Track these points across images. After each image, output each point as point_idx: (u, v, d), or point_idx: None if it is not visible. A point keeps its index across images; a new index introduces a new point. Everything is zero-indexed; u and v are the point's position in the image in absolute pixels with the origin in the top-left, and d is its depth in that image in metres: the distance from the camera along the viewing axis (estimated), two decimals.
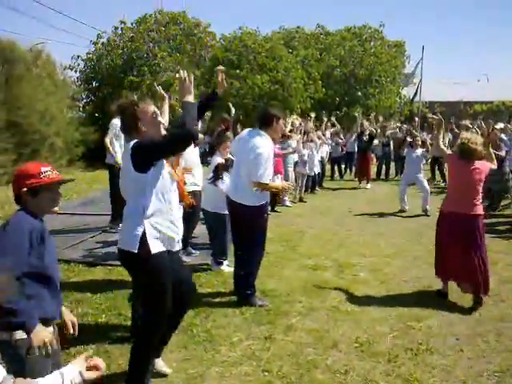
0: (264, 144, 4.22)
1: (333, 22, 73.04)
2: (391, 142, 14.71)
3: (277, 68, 20.35)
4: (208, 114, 7.05)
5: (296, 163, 10.10)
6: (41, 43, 15.22)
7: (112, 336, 3.75)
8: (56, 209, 2.20)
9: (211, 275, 5.27)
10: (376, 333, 3.90)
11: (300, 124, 9.84)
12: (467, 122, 10.25)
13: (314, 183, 11.64)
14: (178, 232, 2.97)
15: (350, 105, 23.48)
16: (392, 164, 14.95)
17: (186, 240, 5.56)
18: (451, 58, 68.40)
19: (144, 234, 2.76)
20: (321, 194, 11.88)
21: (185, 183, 4.75)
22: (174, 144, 2.75)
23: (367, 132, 13.21)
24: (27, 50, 14.29)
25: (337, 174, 14.90)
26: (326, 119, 12.59)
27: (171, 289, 2.92)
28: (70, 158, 15.03)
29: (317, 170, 11.35)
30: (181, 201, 3.08)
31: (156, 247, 2.80)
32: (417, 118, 17.40)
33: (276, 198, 8.72)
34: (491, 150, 4.98)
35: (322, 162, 12.00)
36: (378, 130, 14.17)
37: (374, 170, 14.20)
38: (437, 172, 13.43)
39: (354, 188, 12.81)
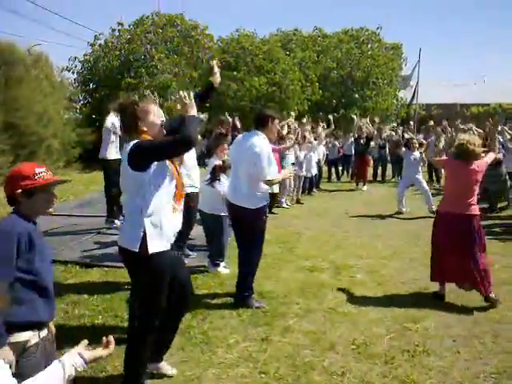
0: (261, 143, 4.26)
1: (330, 24, 73.25)
2: (387, 145, 14.76)
3: (274, 70, 20.39)
4: (206, 116, 7.06)
5: (293, 164, 10.10)
6: (37, 45, 15.23)
7: None
8: (50, 210, 2.17)
9: (208, 277, 5.27)
10: (373, 334, 3.90)
11: (296, 127, 9.84)
12: (458, 122, 10.27)
13: (311, 185, 11.66)
14: (176, 229, 3.00)
15: (347, 107, 23.56)
16: (388, 166, 15.00)
17: (183, 241, 5.56)
18: (450, 60, 68.65)
19: (144, 232, 2.76)
20: (318, 195, 11.90)
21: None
22: (173, 147, 2.76)
23: (364, 135, 13.24)
24: (25, 51, 14.29)
25: (334, 175, 14.94)
26: (321, 124, 12.60)
27: (169, 290, 2.92)
28: (66, 160, 15.02)
29: (314, 171, 11.37)
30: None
31: (156, 246, 2.79)
32: (412, 122, 17.43)
33: (274, 199, 8.72)
34: (496, 136, 5.04)
35: (318, 164, 12.02)
36: (375, 132, 14.21)
37: (370, 171, 14.23)
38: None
39: (351, 190, 12.83)
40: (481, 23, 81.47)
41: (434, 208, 8.74)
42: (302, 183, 10.79)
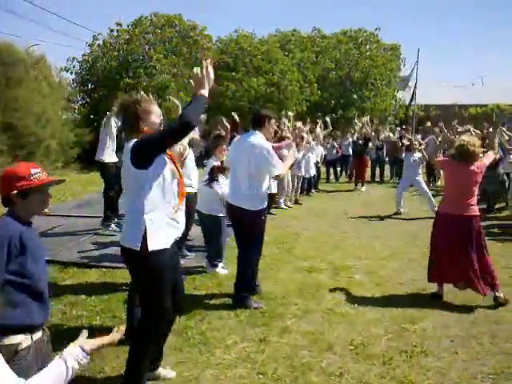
0: (260, 141, 4.31)
1: (329, 25, 73.24)
2: (385, 146, 14.79)
3: (273, 71, 20.42)
4: (203, 117, 7.07)
5: (291, 165, 10.10)
6: (35, 45, 15.22)
7: None
8: (46, 210, 2.15)
9: (206, 277, 5.26)
10: (371, 335, 3.90)
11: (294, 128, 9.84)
12: (455, 123, 10.30)
13: (309, 185, 11.66)
14: (178, 228, 2.99)
15: (346, 107, 23.59)
16: (386, 167, 15.02)
17: (181, 242, 5.55)
18: (449, 61, 68.71)
19: (145, 231, 2.76)
20: (316, 196, 11.90)
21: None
22: (173, 133, 2.72)
23: (363, 136, 13.26)
24: (25, 52, 14.29)
25: (332, 176, 14.95)
26: (320, 121, 12.59)
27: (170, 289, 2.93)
28: (65, 160, 15.01)
29: (312, 172, 11.37)
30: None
31: (157, 244, 2.80)
32: (404, 127, 17.46)
33: (272, 200, 8.72)
34: (496, 140, 5.10)
35: (316, 165, 12.02)
36: (373, 133, 14.25)
37: (368, 172, 14.25)
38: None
39: (350, 190, 12.84)
40: (480, 23, 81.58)
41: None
42: (300, 184, 10.79)
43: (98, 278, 5.21)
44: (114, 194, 7.10)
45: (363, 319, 4.22)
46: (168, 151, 2.91)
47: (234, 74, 19.62)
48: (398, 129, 17.47)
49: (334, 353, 3.60)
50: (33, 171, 2.07)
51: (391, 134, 15.71)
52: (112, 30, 19.33)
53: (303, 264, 5.87)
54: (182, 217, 3.06)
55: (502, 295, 4.54)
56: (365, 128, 13.59)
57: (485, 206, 8.96)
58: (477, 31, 79.78)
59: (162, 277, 2.86)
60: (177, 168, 2.97)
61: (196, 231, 6.12)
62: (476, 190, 4.63)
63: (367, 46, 25.94)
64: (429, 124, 14.93)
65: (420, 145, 9.58)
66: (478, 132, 10.36)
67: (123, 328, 1.86)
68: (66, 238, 6.78)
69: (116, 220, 7.28)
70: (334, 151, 14.49)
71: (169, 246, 2.90)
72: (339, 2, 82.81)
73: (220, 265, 5.46)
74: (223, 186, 5.27)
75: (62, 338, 3.68)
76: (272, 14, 79.93)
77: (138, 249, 2.76)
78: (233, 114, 8.02)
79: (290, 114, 10.33)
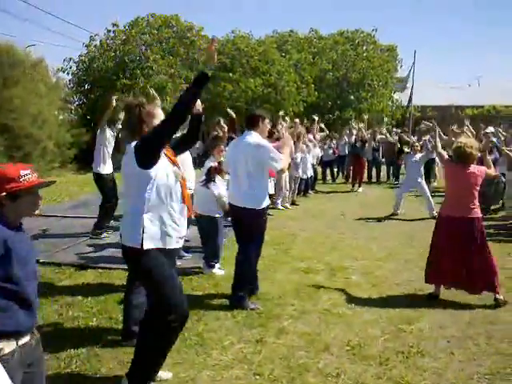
0: (257, 139, 4.34)
1: (326, 26, 73.02)
2: (381, 147, 14.82)
3: (270, 71, 20.44)
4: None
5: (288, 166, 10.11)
6: (32, 45, 15.20)
7: (103, 339, 3.72)
8: (36, 212, 2.09)
9: (203, 278, 5.26)
10: (367, 336, 3.90)
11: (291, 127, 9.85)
12: (455, 127, 10.30)
13: (306, 186, 11.67)
14: (179, 230, 2.98)
15: (343, 108, 23.65)
16: (383, 168, 15.05)
17: None
18: (448, 61, 68.81)
19: (144, 230, 2.79)
20: (313, 197, 11.91)
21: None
22: (170, 122, 2.72)
23: (360, 138, 13.28)
24: (23, 53, 14.27)
25: (329, 177, 14.96)
26: (316, 118, 12.58)
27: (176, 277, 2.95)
28: (62, 160, 14.99)
29: (309, 173, 11.38)
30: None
31: (156, 244, 2.82)
32: (403, 128, 17.52)
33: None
34: (488, 157, 5.13)
35: (313, 166, 12.04)
36: (369, 135, 14.30)
37: (365, 173, 14.27)
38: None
39: (347, 191, 12.86)
40: (480, 23, 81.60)
41: (435, 213, 8.76)
42: (297, 185, 10.80)
43: (94, 278, 5.20)
44: (111, 207, 7.05)
45: (360, 320, 4.23)
46: (171, 156, 2.92)
47: (230, 74, 19.62)
48: (395, 129, 17.49)
49: (330, 353, 3.60)
50: (22, 173, 2.00)
51: (388, 135, 15.73)
52: (109, 31, 19.34)
53: (300, 265, 5.87)
54: (184, 219, 3.06)
55: (501, 297, 4.55)
56: (361, 132, 13.61)
57: (482, 207, 8.98)
58: (476, 31, 79.87)
59: (162, 274, 2.86)
60: (179, 169, 2.98)
61: (193, 232, 6.11)
62: (476, 193, 4.64)
63: (364, 47, 26.03)
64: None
65: (421, 148, 9.62)
66: (472, 131, 10.38)
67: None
68: (62, 239, 6.76)
69: (111, 223, 7.23)
70: (331, 151, 14.51)
71: (168, 246, 2.90)
72: (337, 3, 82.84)
73: (217, 265, 5.45)
74: (220, 186, 5.27)
75: (58, 338, 3.70)
76: (269, 15, 79.89)
77: (139, 247, 2.78)
78: (229, 111, 7.97)
79: (287, 119, 10.33)
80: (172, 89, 17.54)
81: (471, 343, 3.79)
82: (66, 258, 5.86)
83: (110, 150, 6.94)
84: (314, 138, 12.19)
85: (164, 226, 2.86)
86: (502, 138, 9.69)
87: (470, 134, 9.61)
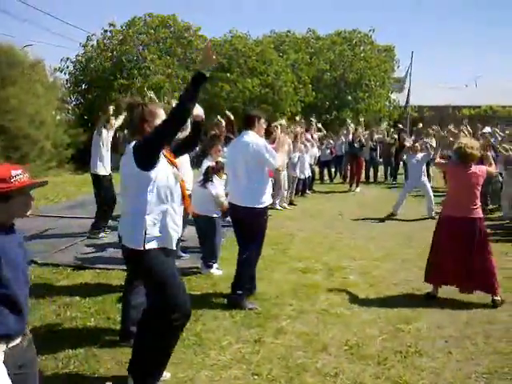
0: (254, 138, 4.39)
1: (323, 26, 73.11)
2: (378, 147, 14.83)
3: (267, 72, 20.43)
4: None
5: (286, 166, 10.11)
6: (29, 45, 15.17)
7: (101, 340, 3.71)
8: (28, 213, 2.04)
9: (201, 278, 5.25)
10: (365, 335, 3.91)
11: (288, 127, 9.85)
12: (452, 127, 10.33)
13: (304, 186, 11.67)
14: (178, 231, 2.99)
15: (340, 108, 23.66)
16: (380, 167, 15.07)
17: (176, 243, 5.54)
18: (446, 61, 68.86)
19: (146, 231, 2.79)
20: (311, 197, 11.92)
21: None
22: (170, 124, 2.71)
23: (358, 139, 13.30)
24: (22, 53, 14.24)
25: (326, 177, 14.98)
26: (314, 120, 12.63)
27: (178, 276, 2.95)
28: (59, 159, 14.96)
29: (307, 173, 11.38)
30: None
31: (158, 243, 2.83)
32: (402, 128, 17.51)
33: None
34: (488, 153, 5.16)
35: (310, 166, 12.04)
36: (366, 135, 14.31)
37: (362, 173, 14.28)
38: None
39: (344, 191, 12.87)
40: (479, 23, 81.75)
41: (434, 213, 8.77)
42: (295, 185, 10.80)
43: (92, 279, 5.19)
44: (108, 208, 7.04)
45: (358, 320, 4.23)
46: (170, 158, 2.92)
47: (228, 74, 19.61)
48: (392, 130, 17.51)
49: (328, 353, 3.61)
50: (13, 173, 1.95)
51: (386, 134, 15.75)
52: (106, 31, 19.30)
53: (298, 265, 5.88)
54: (181, 218, 3.07)
55: (499, 298, 4.56)
56: (357, 132, 13.61)
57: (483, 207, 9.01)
58: (473, 31, 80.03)
59: (165, 273, 2.87)
60: (178, 170, 2.98)
61: (190, 232, 6.11)
62: (478, 193, 4.66)
63: (361, 48, 26.04)
64: (420, 125, 15.01)
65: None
66: (470, 130, 10.42)
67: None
68: (59, 239, 6.74)
69: (109, 222, 7.21)
70: (328, 151, 14.52)
71: (169, 246, 2.92)
72: (334, 3, 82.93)
73: (215, 266, 5.45)
74: (218, 186, 5.27)
75: (56, 339, 3.69)
76: (266, 15, 79.91)
77: (142, 248, 2.78)
78: (227, 112, 7.98)
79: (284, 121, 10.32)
80: (169, 89, 17.53)
81: (469, 343, 3.80)
82: (64, 258, 5.85)
83: (107, 150, 6.93)
84: (311, 137, 12.20)
85: (165, 227, 2.86)
86: (500, 139, 9.72)
87: (467, 133, 9.66)
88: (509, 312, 4.41)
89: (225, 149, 6.28)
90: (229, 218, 6.47)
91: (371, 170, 14.93)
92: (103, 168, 6.89)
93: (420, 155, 9.39)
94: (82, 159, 14.47)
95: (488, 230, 7.69)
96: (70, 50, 41.13)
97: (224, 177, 5.53)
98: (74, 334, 3.83)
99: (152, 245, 2.82)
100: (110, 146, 6.95)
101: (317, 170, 13.97)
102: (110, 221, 7.26)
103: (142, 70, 17.87)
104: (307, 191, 12.00)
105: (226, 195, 5.11)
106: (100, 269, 5.45)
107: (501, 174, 9.45)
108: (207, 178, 5.27)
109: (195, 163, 6.09)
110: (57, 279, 5.13)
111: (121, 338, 3.65)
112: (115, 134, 7.15)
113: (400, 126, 16.87)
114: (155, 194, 2.81)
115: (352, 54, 24.80)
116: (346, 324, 4.13)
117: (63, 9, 59.69)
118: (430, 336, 3.92)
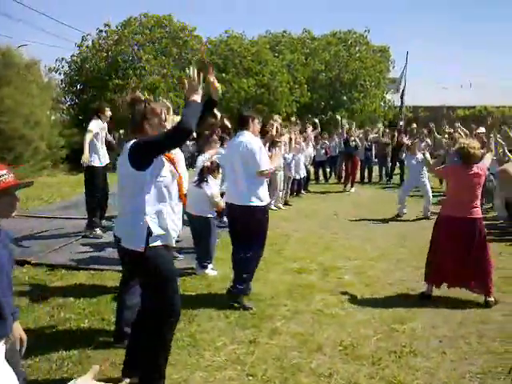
0: (248, 138, 4.44)
1: (319, 26, 73.28)
2: (373, 147, 14.85)
3: (263, 72, 20.43)
4: None
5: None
6: (23, 45, 15.10)
7: (95, 341, 3.70)
8: (13, 214, 2.01)
9: (196, 279, 5.24)
10: (360, 336, 3.91)
11: (282, 127, 9.85)
12: (446, 128, 10.37)
13: (299, 186, 11.67)
14: (176, 229, 2.99)
15: (335, 109, 23.67)
16: (375, 168, 15.09)
17: None
18: (445, 61, 68.99)
19: (148, 231, 2.77)
20: (306, 197, 11.92)
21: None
22: (171, 138, 2.72)
23: (352, 139, 13.31)
24: (19, 54, 14.19)
25: (321, 177, 14.98)
26: (312, 120, 12.67)
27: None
28: (53, 160, 14.89)
29: (302, 173, 11.39)
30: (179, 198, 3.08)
31: (160, 242, 2.83)
32: (401, 122, 17.58)
33: None
34: (492, 141, 5.22)
35: (305, 166, 12.04)
36: (361, 135, 14.33)
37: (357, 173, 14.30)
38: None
39: (340, 191, 12.88)
40: (478, 23, 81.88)
41: (430, 213, 8.80)
42: (290, 185, 10.80)
43: (86, 280, 5.17)
44: (99, 199, 6.98)
45: (352, 320, 4.24)
46: (168, 155, 2.92)
47: (223, 75, 19.58)
48: (387, 130, 17.52)
49: (323, 354, 3.61)
50: None
51: (380, 133, 15.75)
52: (101, 31, 19.23)
53: (293, 265, 5.88)
54: (179, 215, 3.06)
55: (492, 299, 4.58)
56: (352, 132, 13.62)
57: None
58: (469, 31, 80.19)
59: (169, 272, 2.88)
60: (176, 169, 2.97)
61: (185, 232, 6.08)
62: (479, 193, 4.67)
63: (357, 48, 26.08)
64: (414, 126, 15.03)
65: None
66: (466, 131, 10.45)
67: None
68: (54, 239, 6.71)
69: (102, 223, 7.18)
70: (323, 152, 14.52)
71: (170, 244, 2.92)
72: (330, 4, 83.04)
73: (209, 266, 5.44)
74: (213, 186, 5.27)
75: (49, 340, 3.67)
76: (262, 16, 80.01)
77: (143, 250, 2.76)
78: (226, 122, 7.90)
79: (279, 120, 10.32)
80: (164, 89, 17.49)
81: (463, 343, 3.81)
82: (58, 259, 5.82)
83: (100, 141, 6.86)
84: (307, 137, 12.20)
85: (165, 225, 2.85)
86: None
87: (462, 133, 9.70)
88: (502, 312, 4.43)
89: (221, 149, 6.29)
90: (225, 219, 6.48)
91: (366, 170, 14.94)
92: (96, 159, 6.80)
93: (420, 155, 9.39)
94: (76, 159, 14.36)
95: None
96: (65, 50, 41.02)
97: (219, 176, 5.53)
98: (67, 335, 3.81)
99: (155, 243, 2.80)
100: (103, 136, 6.88)
101: (312, 170, 13.98)
102: (104, 221, 7.23)
103: (137, 70, 17.81)
104: (302, 191, 12.01)
105: (222, 194, 5.10)
106: (94, 270, 5.42)
107: (493, 174, 9.48)
108: (202, 178, 5.26)
109: (190, 163, 6.09)
110: (51, 280, 5.11)
111: (115, 339, 3.64)
112: (109, 131, 7.15)
113: (399, 125, 16.91)
114: (155, 192, 2.80)
115: (347, 55, 24.84)
116: (340, 324, 4.13)
117: (58, 9, 59.62)
118: (425, 336, 3.93)
